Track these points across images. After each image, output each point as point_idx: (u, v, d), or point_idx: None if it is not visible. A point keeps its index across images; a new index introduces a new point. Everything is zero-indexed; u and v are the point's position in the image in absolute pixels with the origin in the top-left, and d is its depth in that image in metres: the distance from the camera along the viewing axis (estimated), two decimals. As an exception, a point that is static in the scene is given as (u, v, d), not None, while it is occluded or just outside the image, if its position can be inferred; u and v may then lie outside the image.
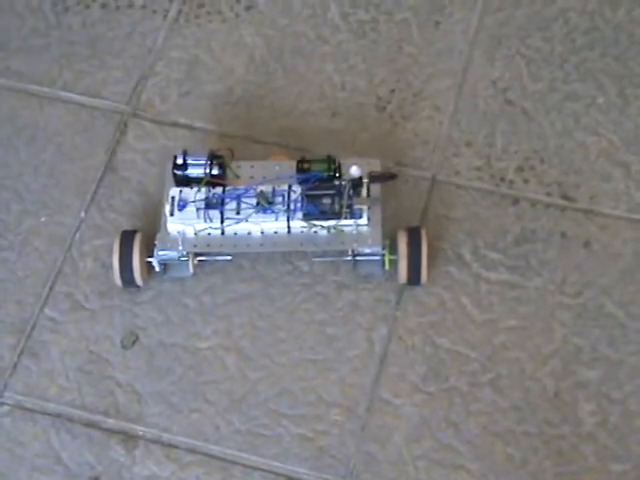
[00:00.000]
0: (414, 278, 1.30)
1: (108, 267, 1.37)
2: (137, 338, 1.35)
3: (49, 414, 1.31)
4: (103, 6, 1.56)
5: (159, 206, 1.35)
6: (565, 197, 1.38)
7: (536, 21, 1.51)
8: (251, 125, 1.47)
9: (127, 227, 1.39)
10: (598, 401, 1.27)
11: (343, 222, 1.26)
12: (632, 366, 1.28)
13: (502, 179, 1.40)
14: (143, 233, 1.33)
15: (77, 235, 1.40)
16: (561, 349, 1.30)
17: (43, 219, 1.41)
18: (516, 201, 1.39)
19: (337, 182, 1.27)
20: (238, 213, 1.26)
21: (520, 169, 1.41)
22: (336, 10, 1.55)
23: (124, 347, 1.34)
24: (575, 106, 1.45)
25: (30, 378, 1.33)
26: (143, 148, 1.46)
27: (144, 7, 1.55)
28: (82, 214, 1.41)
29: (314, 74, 1.50)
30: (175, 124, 1.47)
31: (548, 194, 1.39)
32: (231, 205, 1.27)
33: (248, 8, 1.55)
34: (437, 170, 1.41)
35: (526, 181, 1.40)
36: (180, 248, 1.29)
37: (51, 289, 1.38)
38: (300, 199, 1.26)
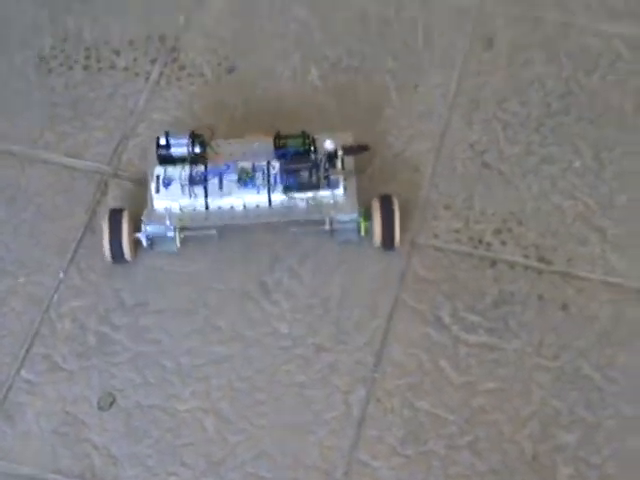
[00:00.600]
0: (388, 241, 1.37)
1: (86, 329, 1.37)
2: (114, 400, 1.33)
3: (23, 478, 1.29)
4: (85, 68, 1.57)
5: (145, 187, 1.40)
6: (542, 260, 1.39)
7: (513, 85, 1.54)
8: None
9: (106, 285, 1.40)
10: (576, 465, 1.26)
11: (321, 193, 1.34)
12: (609, 430, 1.28)
13: (480, 241, 1.41)
14: (130, 211, 1.39)
15: (55, 296, 1.39)
16: (539, 412, 1.30)
17: (21, 279, 1.41)
18: (494, 263, 1.40)
19: (313, 156, 1.34)
20: (221, 189, 1.33)
21: (498, 231, 1.42)
22: (316, 73, 1.57)
23: (101, 409, 1.33)
24: (551, 169, 1.46)
25: (5, 441, 1.32)
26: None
27: (126, 69, 1.57)
28: (61, 275, 1.41)
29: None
30: (155, 184, 1.49)
31: (525, 256, 1.40)
32: (213, 181, 1.34)
33: (230, 70, 1.58)
34: (416, 233, 1.42)
35: (504, 243, 1.41)
36: (167, 223, 1.34)
37: (28, 351, 1.36)
38: (279, 173, 1.34)
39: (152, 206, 1.36)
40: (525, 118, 1.51)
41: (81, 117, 1.53)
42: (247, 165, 1.35)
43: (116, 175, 1.48)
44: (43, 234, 1.44)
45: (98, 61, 1.57)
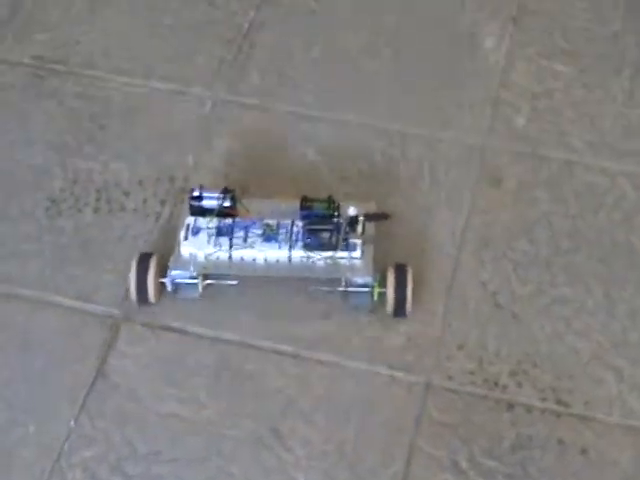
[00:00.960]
0: (400, 310, 1.43)
1: (97, 479, 1.34)
2: None
3: None
4: (95, 210, 1.58)
5: (174, 232, 1.48)
6: (560, 402, 1.38)
7: (521, 224, 1.56)
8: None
9: (117, 433, 1.37)
10: None
11: (339, 254, 1.42)
12: None
13: (496, 383, 1.40)
14: (158, 255, 1.46)
15: (66, 445, 1.37)
16: None
17: (32, 428, 1.38)
18: (511, 406, 1.38)
19: (336, 219, 1.43)
20: (245, 241, 1.42)
21: (513, 373, 1.41)
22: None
23: None
24: (564, 310, 1.47)
25: None
26: (134, 353, 1.45)
27: (136, 210, 1.58)
28: (72, 423, 1.39)
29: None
30: (167, 328, 1.47)
31: (543, 399, 1.39)
32: (239, 234, 1.43)
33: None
34: (430, 374, 1.42)
35: (519, 385, 1.40)
36: (191, 269, 1.43)
37: (39, 502, 1.34)
38: (302, 232, 1.42)
39: (179, 252, 1.44)
40: (534, 257, 1.52)
41: (91, 259, 1.53)
42: (272, 222, 1.44)
43: (127, 318, 1.48)
44: (54, 380, 1.43)
45: (108, 203, 1.58)
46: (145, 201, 1.58)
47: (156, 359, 1.43)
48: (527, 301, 1.47)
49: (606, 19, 1.78)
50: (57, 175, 1.61)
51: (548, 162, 1.62)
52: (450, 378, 1.40)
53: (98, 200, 1.58)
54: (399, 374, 1.41)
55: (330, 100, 1.69)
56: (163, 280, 1.45)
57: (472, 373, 1.41)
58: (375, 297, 1.43)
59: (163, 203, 1.58)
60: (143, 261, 1.45)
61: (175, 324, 1.47)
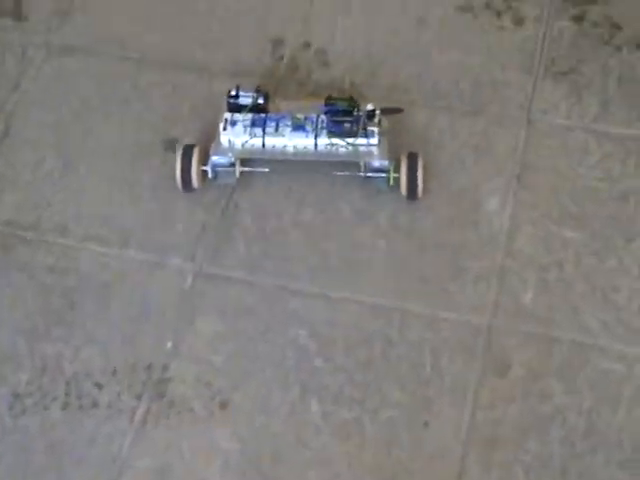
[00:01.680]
0: (412, 192, 1.60)
1: None
2: None
3: None
4: (64, 406, 1.43)
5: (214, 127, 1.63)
6: None
7: (532, 420, 1.41)
8: None
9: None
10: None
11: (359, 141, 1.59)
12: None
13: None
14: (200, 146, 1.64)
15: None
16: None
17: None
18: None
19: (355, 113, 1.60)
20: (276, 131, 1.61)
21: None
22: (317, 407, 1.43)
23: None
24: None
25: None
26: None
27: (109, 406, 1.43)
28: None
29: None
30: None
31: None
32: (271, 125, 1.61)
33: (223, 405, 1.44)
34: None
35: None
36: (229, 155, 1.62)
37: None
38: (326, 122, 1.61)
39: (219, 141, 1.62)
40: (548, 459, 1.38)
41: (58, 464, 1.38)
42: (300, 115, 1.62)
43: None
44: None
45: (78, 397, 1.44)
46: (119, 395, 1.44)
47: None
48: None
49: (614, 177, 1.66)
50: (24, 364, 1.47)
51: (560, 344, 1.48)
52: None
53: (67, 395, 1.44)
54: None
55: (322, 272, 1.57)
56: (205, 168, 1.62)
57: None
58: (391, 182, 1.60)
59: (139, 397, 1.43)
60: (187, 151, 1.63)
61: None
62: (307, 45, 1.78)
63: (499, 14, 1.80)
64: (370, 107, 1.61)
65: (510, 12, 1.80)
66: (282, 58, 1.77)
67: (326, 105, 1.62)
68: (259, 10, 1.83)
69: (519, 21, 1.79)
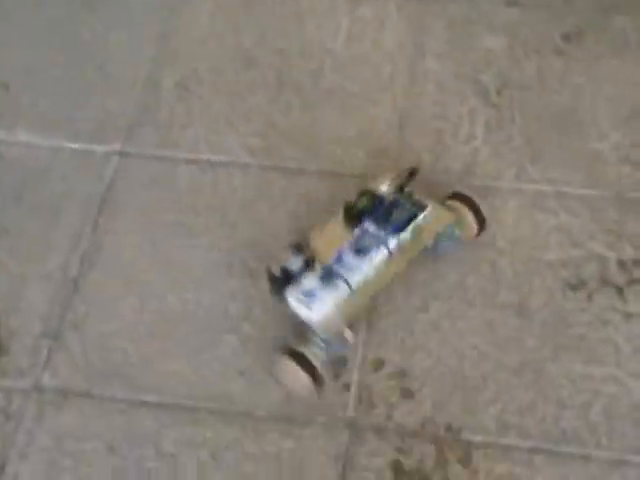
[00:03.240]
0: (481, 225, 1.46)
1: None
2: None
3: None
4: None
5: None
6: None
7: None
8: None
9: None
10: None
11: (419, 217, 1.40)
12: None
13: None
14: None
15: None
16: None
17: None
18: None
19: (391, 197, 1.43)
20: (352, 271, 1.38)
21: None
22: None
23: None
24: None
25: None
26: None
27: None
28: None
29: None
30: None
31: None
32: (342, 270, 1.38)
33: None
34: None
35: None
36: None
37: None
38: (379, 229, 1.40)
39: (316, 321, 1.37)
40: None
41: None
42: (363, 242, 1.40)
43: None
44: None
45: None
46: None
47: None
48: None
49: None
50: None
51: None
52: None
53: None
54: None
55: None
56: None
57: None
58: (458, 232, 1.45)
59: None
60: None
61: None
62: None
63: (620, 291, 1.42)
64: (384, 188, 1.43)
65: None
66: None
67: (358, 217, 1.42)
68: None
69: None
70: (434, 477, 1.26)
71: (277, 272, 1.37)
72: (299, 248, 1.39)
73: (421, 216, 1.41)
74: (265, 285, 1.39)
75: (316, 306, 1.36)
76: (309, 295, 1.37)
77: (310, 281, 1.37)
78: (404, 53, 1.68)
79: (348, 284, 1.37)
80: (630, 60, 1.64)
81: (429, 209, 1.42)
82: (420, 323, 1.39)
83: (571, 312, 1.38)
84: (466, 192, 1.46)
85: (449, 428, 1.30)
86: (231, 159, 1.57)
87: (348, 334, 1.37)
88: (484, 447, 1.27)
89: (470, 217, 1.46)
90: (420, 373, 1.34)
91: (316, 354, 1.35)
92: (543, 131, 1.57)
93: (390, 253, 1.39)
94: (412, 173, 1.46)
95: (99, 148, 1.60)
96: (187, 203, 1.53)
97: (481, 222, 1.46)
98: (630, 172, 1.51)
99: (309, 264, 1.38)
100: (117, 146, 1.60)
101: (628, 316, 1.37)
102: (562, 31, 1.68)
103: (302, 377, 1.34)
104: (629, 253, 1.42)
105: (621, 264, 1.41)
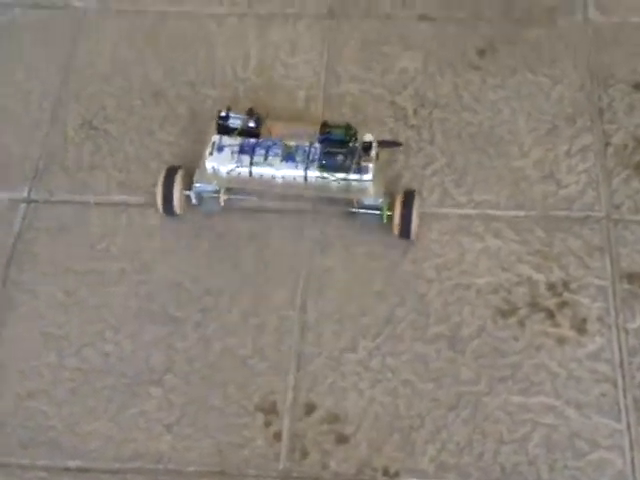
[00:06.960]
0: (405, 232, 1.45)
1: None
2: None
3: None
4: None
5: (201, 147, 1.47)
6: None
7: None
8: None
9: None
10: None
11: (352, 176, 1.46)
12: None
13: None
14: (184, 169, 1.50)
15: None
16: None
17: None
18: None
19: (351, 144, 1.47)
20: (265, 160, 1.48)
21: None
22: None
23: None
24: None
25: None
26: None
27: None
28: None
29: None
30: None
31: None
32: (260, 153, 1.48)
33: None
34: None
35: None
36: (214, 183, 1.49)
37: None
38: (319, 154, 1.47)
39: (203, 167, 1.49)
40: None
41: None
42: (292, 143, 1.49)
43: None
44: None
45: None
46: None
47: None
48: None
49: None
50: None
51: None
52: None
53: None
54: None
55: None
56: (187, 193, 1.49)
57: None
58: (384, 220, 1.45)
59: None
60: (170, 174, 1.50)
61: None
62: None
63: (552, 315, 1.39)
64: (367, 138, 1.48)
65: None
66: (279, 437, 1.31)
67: (321, 133, 1.50)
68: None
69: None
70: (374, 525, 1.23)
71: (222, 113, 1.49)
72: (251, 114, 1.50)
73: (353, 177, 1.46)
74: (188, 330, 1.35)
75: (216, 157, 1.48)
76: (220, 147, 1.49)
77: (234, 140, 1.49)
78: (317, 77, 1.65)
79: (250, 167, 1.47)
80: (545, 73, 1.62)
81: (368, 176, 1.45)
82: (350, 363, 1.34)
83: (504, 340, 1.34)
84: (414, 197, 1.45)
85: (386, 472, 1.25)
86: (145, 199, 1.53)
87: (219, 203, 1.50)
88: (424, 491, 1.24)
89: (398, 217, 1.45)
90: (354, 416, 1.29)
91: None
92: (464, 151, 1.54)
93: (305, 178, 1.46)
94: (395, 143, 1.53)
95: (4, 195, 1.53)
96: (101, 249, 1.47)
97: (404, 219, 1.45)
98: (555, 190, 1.49)
99: (249, 132, 1.48)
100: (24, 193, 1.54)
101: (561, 341, 1.34)
102: (476, 45, 1.65)
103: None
104: (557, 275, 1.40)
105: (550, 286, 1.38)
